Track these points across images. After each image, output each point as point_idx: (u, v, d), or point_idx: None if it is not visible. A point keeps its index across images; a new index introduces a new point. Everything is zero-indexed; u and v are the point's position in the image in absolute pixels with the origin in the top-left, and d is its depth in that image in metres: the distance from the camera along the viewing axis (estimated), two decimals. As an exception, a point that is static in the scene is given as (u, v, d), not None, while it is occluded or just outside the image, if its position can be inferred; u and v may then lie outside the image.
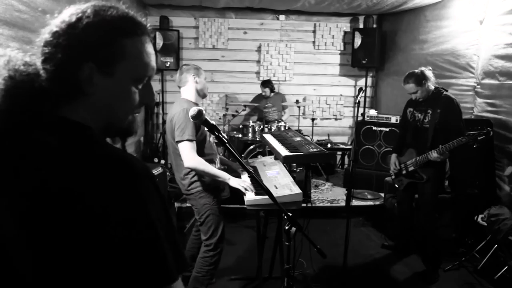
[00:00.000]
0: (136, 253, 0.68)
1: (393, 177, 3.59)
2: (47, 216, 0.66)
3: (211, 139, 2.74)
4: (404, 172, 3.42)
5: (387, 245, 3.89)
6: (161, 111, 6.31)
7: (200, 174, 2.56)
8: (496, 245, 3.29)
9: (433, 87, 3.19)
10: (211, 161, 2.61)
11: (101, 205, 0.67)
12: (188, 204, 3.27)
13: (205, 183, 2.59)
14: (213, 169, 2.52)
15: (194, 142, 2.47)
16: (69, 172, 0.68)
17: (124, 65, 0.79)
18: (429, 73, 3.16)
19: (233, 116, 5.93)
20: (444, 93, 3.19)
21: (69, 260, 0.67)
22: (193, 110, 1.71)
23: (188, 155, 2.43)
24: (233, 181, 2.52)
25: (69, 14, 0.78)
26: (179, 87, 2.70)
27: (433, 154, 3.07)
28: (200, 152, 2.54)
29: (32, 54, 0.80)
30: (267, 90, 5.93)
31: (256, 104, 6.01)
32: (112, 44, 0.77)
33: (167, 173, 4.45)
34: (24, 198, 0.68)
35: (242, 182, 2.50)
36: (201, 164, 2.47)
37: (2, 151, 0.72)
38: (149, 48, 0.84)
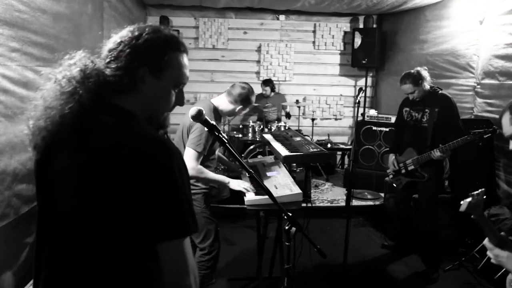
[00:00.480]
0: (166, 204, 0.92)
1: (391, 176, 3.59)
2: (110, 164, 0.93)
3: (218, 152, 2.75)
4: (403, 171, 3.42)
5: (387, 245, 3.89)
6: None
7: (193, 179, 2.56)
8: (496, 245, 3.29)
9: (428, 87, 3.20)
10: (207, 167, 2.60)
11: (146, 165, 0.92)
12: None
13: (200, 188, 2.58)
14: (212, 175, 2.54)
15: (200, 153, 2.46)
16: (122, 141, 0.95)
17: (169, 72, 1.05)
18: (425, 73, 3.18)
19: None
20: (441, 92, 3.21)
21: (120, 196, 0.93)
22: (193, 110, 1.71)
23: (191, 164, 2.42)
24: (233, 184, 2.53)
25: (131, 29, 1.05)
26: (227, 93, 2.67)
27: (436, 153, 3.07)
28: (203, 163, 2.55)
29: (96, 56, 1.05)
30: (268, 89, 5.93)
31: (256, 104, 6.00)
32: (163, 55, 1.03)
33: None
34: (94, 154, 0.95)
35: (242, 184, 2.50)
36: (201, 173, 2.48)
37: (77, 126, 0.97)
38: (187, 62, 1.10)
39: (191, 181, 2.57)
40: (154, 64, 1.02)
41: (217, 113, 2.65)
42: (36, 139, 1.00)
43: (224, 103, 2.67)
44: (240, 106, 2.65)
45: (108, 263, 0.97)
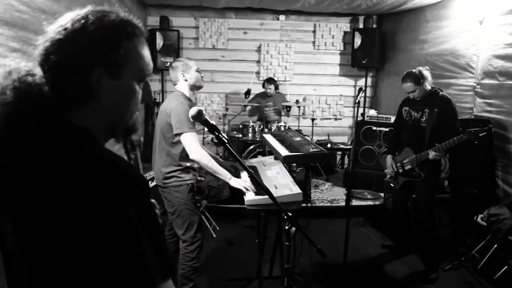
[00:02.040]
0: (115, 256, 0.69)
1: (388, 176, 3.59)
2: (36, 221, 0.70)
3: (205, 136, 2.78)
4: (400, 171, 3.42)
5: (386, 245, 3.89)
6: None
7: (180, 170, 2.58)
8: (496, 245, 3.29)
9: (429, 87, 3.21)
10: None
11: (82, 208, 0.68)
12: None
13: (184, 180, 2.61)
14: (216, 166, 2.54)
15: (195, 132, 2.53)
16: (57, 178, 0.70)
17: (129, 66, 0.82)
18: (426, 72, 3.19)
19: (245, 106, 5.92)
20: (441, 93, 3.22)
21: (51, 261, 0.70)
22: (193, 110, 1.71)
23: (193, 147, 2.48)
24: (234, 181, 2.51)
25: (69, 20, 0.80)
26: (174, 85, 2.73)
27: (431, 153, 3.08)
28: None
29: (30, 61, 0.81)
30: (272, 87, 5.91)
31: (256, 104, 6.00)
32: (119, 48, 0.80)
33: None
34: (20, 204, 0.72)
35: (243, 182, 2.49)
36: (206, 157, 2.51)
37: (8, 158, 0.74)
38: (147, 48, 0.87)
39: (175, 173, 2.59)
40: (109, 62, 0.79)
41: (192, 91, 2.72)
42: None
43: (184, 84, 2.68)
44: (188, 72, 2.65)
45: None
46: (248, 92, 5.93)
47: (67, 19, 0.81)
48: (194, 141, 2.50)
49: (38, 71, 0.79)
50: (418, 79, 3.15)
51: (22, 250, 0.73)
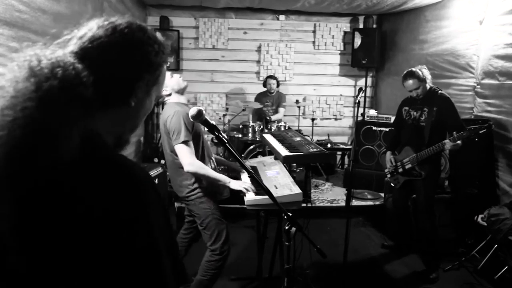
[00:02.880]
0: (132, 261, 0.69)
1: (389, 176, 3.59)
2: (55, 222, 0.67)
3: (206, 136, 2.71)
4: (400, 170, 3.42)
5: (386, 245, 3.89)
6: (161, 111, 6.31)
7: (199, 179, 2.52)
8: (496, 245, 3.29)
9: (429, 86, 3.22)
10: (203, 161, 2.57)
11: (103, 211, 0.67)
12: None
13: (204, 188, 2.55)
14: (213, 173, 2.49)
15: (191, 142, 2.43)
16: (79, 182, 0.68)
17: (156, 88, 0.90)
18: (426, 71, 3.20)
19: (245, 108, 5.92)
20: (439, 92, 3.22)
21: (68, 262, 0.67)
22: (193, 110, 1.71)
23: (188, 160, 2.38)
24: (234, 184, 2.49)
25: (114, 25, 0.80)
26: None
27: (447, 144, 3.02)
28: (196, 150, 2.51)
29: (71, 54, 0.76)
30: (274, 82, 5.88)
31: (255, 107, 5.99)
32: (159, 69, 0.88)
33: (167, 173, 4.44)
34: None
35: (243, 184, 2.48)
36: (201, 168, 2.43)
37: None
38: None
39: (196, 185, 2.54)
40: (150, 79, 0.85)
41: (182, 95, 2.61)
42: None
43: (172, 97, 2.60)
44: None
45: None
46: (244, 109, 5.90)
47: (108, 23, 0.81)
48: (189, 152, 2.40)
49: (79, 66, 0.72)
50: (420, 77, 3.16)
51: (33, 250, 0.67)
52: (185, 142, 2.38)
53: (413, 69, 3.21)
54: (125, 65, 0.80)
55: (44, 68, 0.68)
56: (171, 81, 2.57)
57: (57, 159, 0.65)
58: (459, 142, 3.02)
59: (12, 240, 0.66)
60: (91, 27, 0.80)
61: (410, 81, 3.18)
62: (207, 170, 2.46)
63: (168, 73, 2.54)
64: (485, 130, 2.90)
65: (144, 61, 0.83)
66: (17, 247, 0.66)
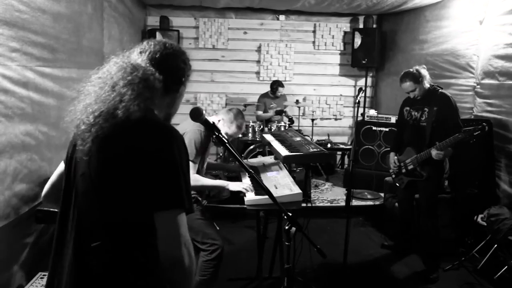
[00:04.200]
0: (163, 179, 1.07)
1: (393, 176, 3.59)
2: (129, 157, 1.09)
3: (207, 158, 2.77)
4: (403, 171, 3.42)
5: (387, 245, 3.89)
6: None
7: None
8: (496, 245, 3.29)
9: (428, 85, 3.21)
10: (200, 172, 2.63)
11: (154, 151, 1.08)
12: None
13: None
14: (210, 182, 2.58)
15: (196, 165, 2.51)
16: (138, 131, 1.11)
17: (187, 82, 1.34)
18: (424, 71, 3.19)
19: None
20: (440, 90, 3.21)
21: (131, 177, 1.08)
22: (192, 109, 1.71)
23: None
24: (232, 186, 2.56)
25: (168, 45, 1.28)
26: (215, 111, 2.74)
27: (433, 152, 3.07)
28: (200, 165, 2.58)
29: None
30: (282, 89, 5.91)
31: (256, 110, 5.99)
32: (190, 68, 1.34)
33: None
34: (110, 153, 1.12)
35: (242, 184, 2.51)
36: (197, 181, 2.50)
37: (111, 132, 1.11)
38: None
39: None
40: (186, 81, 1.33)
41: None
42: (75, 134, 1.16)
43: (221, 126, 2.72)
44: (229, 127, 2.72)
45: (118, 240, 1.09)
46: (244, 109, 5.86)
47: (167, 43, 1.29)
48: (192, 171, 2.47)
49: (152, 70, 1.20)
50: (417, 77, 3.15)
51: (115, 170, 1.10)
52: (192, 161, 2.45)
53: (410, 70, 3.21)
54: (177, 67, 1.28)
55: (130, 66, 1.16)
56: (233, 128, 2.73)
57: (128, 117, 1.09)
58: (449, 148, 3.03)
59: (95, 158, 1.11)
60: (146, 45, 1.26)
61: (407, 83, 3.18)
62: (202, 181, 2.53)
63: (237, 124, 2.76)
64: (479, 132, 2.88)
65: (185, 63, 1.30)
66: (98, 165, 1.11)
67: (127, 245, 1.09)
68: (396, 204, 3.97)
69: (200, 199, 2.69)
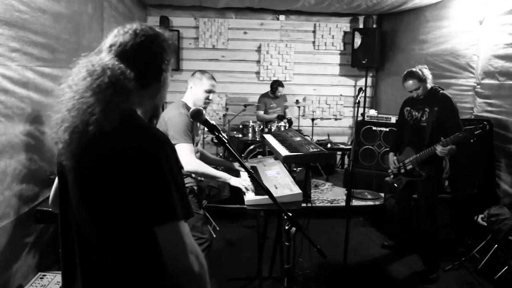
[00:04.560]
0: (152, 191, 1.00)
1: (392, 176, 3.59)
2: (112, 171, 1.02)
3: (204, 136, 2.71)
4: (402, 171, 3.42)
5: (387, 245, 3.89)
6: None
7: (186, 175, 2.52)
8: (496, 245, 3.29)
9: (430, 86, 3.21)
10: None
11: (138, 162, 1.00)
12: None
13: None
14: (213, 171, 2.51)
15: (191, 144, 2.46)
16: (117, 138, 1.02)
17: (169, 68, 1.20)
18: (427, 71, 3.19)
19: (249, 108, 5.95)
20: (441, 91, 3.21)
21: (119, 191, 1.02)
22: (193, 110, 1.71)
23: (188, 158, 2.39)
24: (234, 181, 2.50)
25: (141, 30, 1.12)
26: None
27: (438, 148, 3.04)
28: None
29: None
30: (282, 89, 5.92)
31: (257, 110, 5.98)
32: (171, 50, 1.17)
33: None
34: (95, 159, 1.04)
35: (243, 181, 2.48)
36: (201, 166, 2.45)
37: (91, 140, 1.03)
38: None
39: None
40: (167, 62, 1.17)
41: (187, 106, 2.61)
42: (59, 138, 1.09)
43: (189, 93, 2.64)
44: (196, 85, 2.60)
45: (119, 250, 1.06)
46: (244, 109, 5.87)
47: (138, 29, 1.12)
48: (190, 152, 2.42)
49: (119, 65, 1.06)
50: (421, 77, 3.15)
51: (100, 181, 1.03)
52: (186, 143, 2.40)
53: (413, 69, 3.20)
54: (153, 55, 1.12)
55: (98, 69, 1.04)
56: (199, 93, 2.61)
57: (101, 129, 1.00)
58: (453, 146, 3.01)
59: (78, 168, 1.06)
60: (116, 36, 1.10)
61: (410, 82, 3.18)
62: (206, 168, 2.47)
63: (208, 84, 2.63)
64: (480, 130, 2.88)
65: (162, 48, 1.13)
66: (84, 172, 1.05)
67: (129, 252, 1.07)
68: (395, 204, 3.97)
69: (195, 188, 2.64)
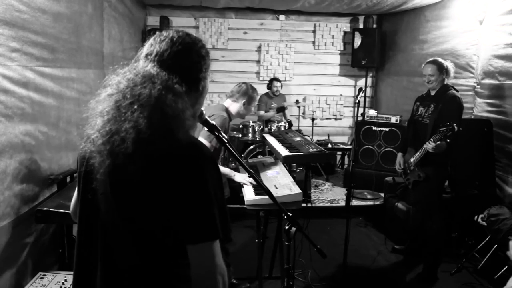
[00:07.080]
0: (193, 206, 0.98)
1: (403, 176, 3.53)
2: (155, 182, 0.99)
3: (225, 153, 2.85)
4: (408, 171, 3.39)
5: (397, 249, 3.79)
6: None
7: None
8: (496, 245, 3.29)
9: (446, 82, 3.21)
10: None
11: (180, 169, 0.98)
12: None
13: None
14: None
15: (212, 148, 2.55)
16: (172, 150, 1.00)
17: (206, 79, 1.17)
18: (451, 67, 3.20)
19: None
20: (451, 90, 3.17)
21: (158, 204, 0.99)
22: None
23: None
24: (238, 177, 2.59)
25: (179, 38, 1.10)
26: (230, 94, 2.82)
27: (429, 145, 2.98)
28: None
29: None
30: (279, 84, 5.94)
31: (258, 110, 5.98)
32: (209, 58, 1.16)
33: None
34: (135, 172, 0.99)
35: (248, 178, 2.54)
36: None
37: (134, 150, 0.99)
38: None
39: None
40: (206, 64, 1.16)
41: (237, 116, 2.84)
42: (86, 149, 1.06)
43: (236, 107, 2.79)
44: (249, 104, 2.76)
45: (149, 259, 1.04)
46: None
47: (175, 37, 1.10)
48: None
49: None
50: (442, 68, 3.14)
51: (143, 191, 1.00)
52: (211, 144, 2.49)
53: (439, 59, 3.20)
54: (191, 64, 1.10)
55: (139, 77, 1.01)
56: (248, 108, 2.82)
57: (148, 137, 0.96)
58: (439, 142, 2.92)
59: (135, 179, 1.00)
60: (152, 45, 1.09)
61: (430, 66, 3.17)
62: None
63: (255, 102, 2.86)
64: (450, 132, 2.81)
65: (199, 56, 1.11)
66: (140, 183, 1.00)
67: (158, 264, 1.04)
68: (396, 204, 3.96)
69: None
